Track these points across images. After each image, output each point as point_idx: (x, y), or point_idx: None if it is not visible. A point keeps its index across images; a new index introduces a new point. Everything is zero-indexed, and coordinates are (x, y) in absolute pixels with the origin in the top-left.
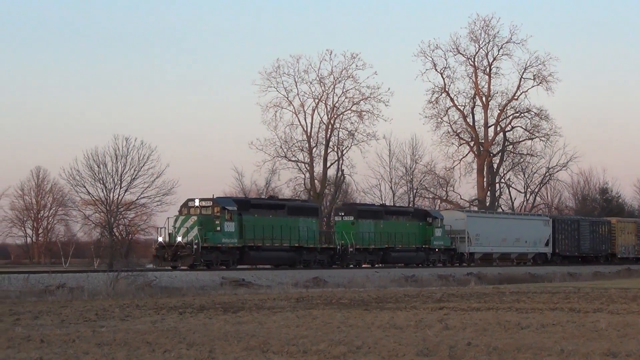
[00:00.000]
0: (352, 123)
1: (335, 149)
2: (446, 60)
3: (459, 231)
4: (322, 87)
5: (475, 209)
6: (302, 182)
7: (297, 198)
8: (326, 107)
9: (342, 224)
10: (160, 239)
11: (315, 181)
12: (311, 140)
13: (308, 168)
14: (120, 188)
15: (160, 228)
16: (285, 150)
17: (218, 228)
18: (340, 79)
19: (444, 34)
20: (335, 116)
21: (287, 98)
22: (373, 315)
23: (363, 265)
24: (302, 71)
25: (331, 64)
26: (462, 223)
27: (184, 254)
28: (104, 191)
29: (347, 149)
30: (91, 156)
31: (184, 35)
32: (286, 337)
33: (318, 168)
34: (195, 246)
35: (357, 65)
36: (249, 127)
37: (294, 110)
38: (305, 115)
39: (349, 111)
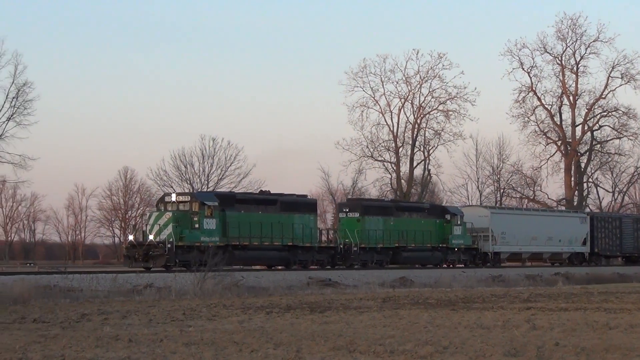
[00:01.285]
0: (438, 122)
1: (422, 149)
2: (533, 59)
3: (482, 229)
4: (409, 87)
5: (562, 206)
6: (389, 182)
7: (292, 193)
8: (412, 106)
9: (347, 221)
10: (130, 237)
11: (402, 181)
12: (397, 140)
13: (394, 168)
14: (207, 188)
15: (131, 225)
16: (371, 150)
17: (197, 225)
18: (426, 78)
19: (531, 33)
20: (421, 116)
21: (374, 98)
22: (460, 315)
23: (370, 266)
24: (389, 71)
25: (417, 64)
26: (485, 220)
27: (156, 253)
28: (192, 191)
29: (434, 148)
30: (178, 156)
31: (271, 36)
32: (373, 337)
33: (404, 168)
34: (169, 245)
35: (443, 65)
36: (336, 127)
37: (380, 110)
38: (391, 114)
39: (436, 111)
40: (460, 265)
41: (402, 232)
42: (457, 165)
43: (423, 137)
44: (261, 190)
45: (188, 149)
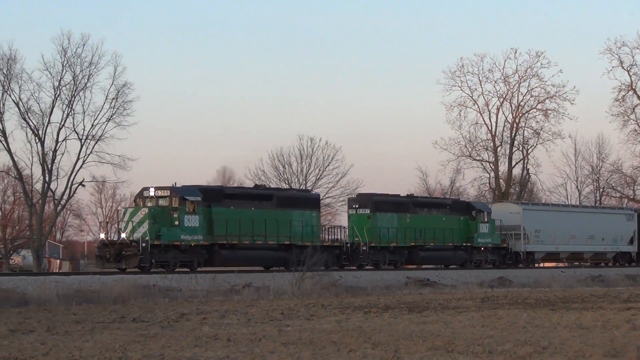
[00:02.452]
0: (537, 122)
1: (520, 148)
2: (633, 57)
3: (513, 227)
4: (507, 86)
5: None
6: (487, 181)
7: (292, 187)
8: (511, 105)
9: (356, 218)
10: (102, 236)
11: (500, 180)
12: (496, 139)
13: (493, 167)
14: (305, 187)
15: (103, 222)
16: (469, 149)
17: (176, 222)
18: (525, 77)
19: (630, 31)
20: (520, 115)
21: (472, 97)
22: (559, 316)
23: (383, 267)
24: (487, 70)
25: (516, 63)
26: (516, 217)
27: (129, 253)
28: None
29: (532, 147)
30: (276, 156)
31: (369, 37)
32: (471, 337)
33: (503, 167)
34: (143, 244)
35: (542, 64)
36: (433, 127)
37: (478, 109)
38: (489, 114)
39: (534, 110)
40: (488, 266)
41: (420, 230)
42: (556, 164)
43: (522, 137)
44: (256, 185)
45: (286, 148)
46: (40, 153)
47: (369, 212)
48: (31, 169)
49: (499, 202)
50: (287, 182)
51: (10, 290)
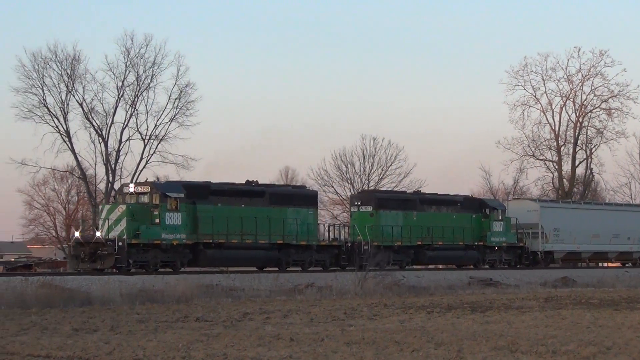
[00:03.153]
0: (600, 121)
1: (584, 147)
2: None
3: (530, 225)
4: (570, 85)
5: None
6: (550, 181)
7: (287, 184)
8: (574, 105)
9: (359, 216)
10: (76, 234)
11: (564, 180)
12: (559, 139)
13: (556, 167)
14: (368, 187)
15: (79, 220)
16: (532, 149)
17: (157, 220)
18: (588, 76)
19: None
20: (583, 114)
21: (535, 96)
22: (623, 316)
23: (387, 267)
24: (550, 69)
25: (579, 62)
26: (534, 215)
27: (104, 252)
28: (352, 191)
29: (596, 147)
30: (339, 156)
31: (431, 36)
32: (535, 337)
33: (566, 167)
34: (120, 243)
35: (605, 62)
36: (496, 126)
37: (541, 109)
38: (552, 113)
39: (598, 109)
40: (504, 267)
41: (427, 229)
42: (619, 163)
43: (585, 136)
44: (247, 181)
45: (349, 148)
46: (103, 153)
47: (371, 209)
48: (95, 169)
49: (516, 199)
50: (349, 181)
51: (74, 289)
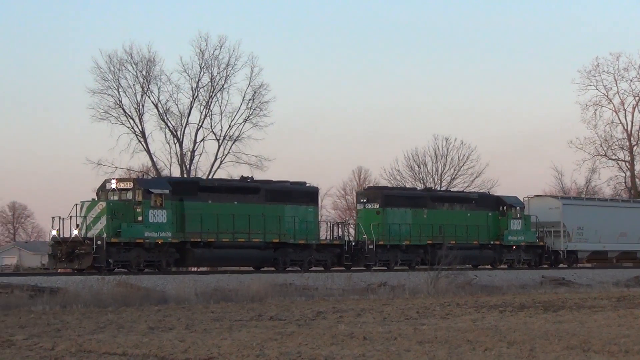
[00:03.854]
0: None
1: None
2: None
3: (552, 223)
4: None
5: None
6: (623, 180)
7: (284, 180)
8: None
9: (365, 214)
10: (53, 233)
11: (637, 179)
12: (632, 139)
13: (629, 167)
14: (440, 187)
15: (56, 218)
16: (605, 148)
17: (140, 218)
18: None
19: None
20: None
21: (607, 96)
22: None
23: (394, 268)
24: (622, 69)
25: None
26: (556, 213)
27: (82, 252)
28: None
29: None
30: (411, 156)
31: (502, 37)
32: (607, 336)
33: (639, 166)
34: (98, 242)
35: None
36: (568, 126)
37: (613, 109)
38: (625, 113)
39: None
40: (523, 267)
41: (439, 227)
42: None
43: None
44: (242, 177)
45: (421, 148)
46: (178, 153)
47: (378, 207)
48: (170, 169)
49: (537, 197)
50: (422, 181)
51: (150, 288)
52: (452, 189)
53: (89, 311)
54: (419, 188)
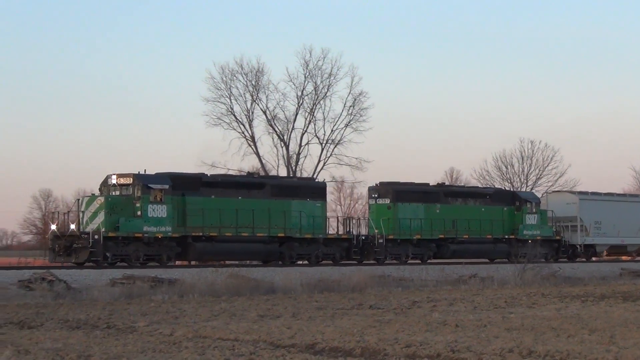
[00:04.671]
0: None
1: None
2: None
3: (569, 218)
4: None
5: None
6: None
7: (293, 175)
8: None
9: (376, 209)
10: (53, 227)
11: None
12: None
13: None
14: (526, 187)
15: (56, 213)
16: None
17: (139, 213)
18: None
19: None
20: None
21: None
22: None
23: (405, 261)
24: None
25: None
26: (572, 208)
27: (79, 246)
28: (511, 190)
29: None
30: (499, 157)
31: (583, 41)
32: None
33: None
34: (96, 236)
35: None
36: None
37: None
38: None
39: None
40: (540, 260)
41: (452, 221)
42: None
43: None
44: (248, 172)
45: (508, 150)
46: (285, 156)
47: (389, 202)
48: (277, 171)
49: (555, 192)
50: (509, 181)
51: (259, 279)
52: (537, 188)
53: (204, 300)
54: (432, 184)
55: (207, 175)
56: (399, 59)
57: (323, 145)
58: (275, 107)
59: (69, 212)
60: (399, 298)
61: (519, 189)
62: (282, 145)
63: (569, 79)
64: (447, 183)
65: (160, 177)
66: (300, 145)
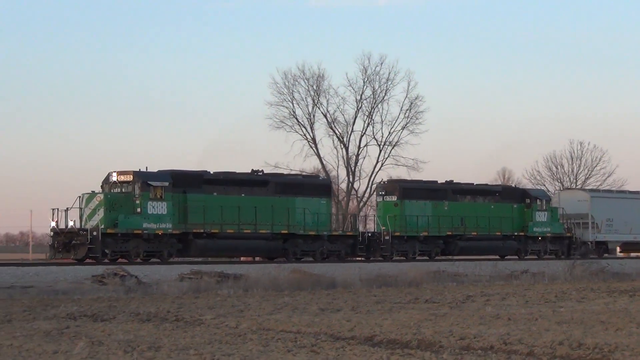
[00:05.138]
0: None
1: None
2: None
3: (580, 215)
4: None
5: None
6: None
7: (300, 172)
8: None
9: (383, 206)
10: (52, 224)
11: None
12: None
13: None
14: (575, 186)
15: (55, 210)
16: None
17: (138, 209)
18: None
19: None
20: None
21: None
22: None
23: (413, 258)
24: None
25: None
26: (584, 205)
27: (78, 242)
28: (561, 189)
29: None
30: (550, 158)
31: (631, 44)
32: None
33: None
34: (94, 233)
35: None
36: None
37: None
38: None
39: None
40: (550, 257)
41: (461, 219)
42: None
43: None
44: (252, 170)
45: (558, 151)
46: (345, 157)
47: (395, 199)
48: (337, 171)
49: (566, 190)
50: (559, 181)
51: (320, 275)
52: (588, 186)
53: (268, 294)
54: (440, 181)
55: (209, 172)
56: (453, 63)
57: (381, 146)
58: (335, 111)
59: (67, 209)
60: (453, 293)
61: (566, 187)
62: (342, 147)
63: (618, 80)
64: (458, 181)
65: (160, 175)
66: (359, 147)
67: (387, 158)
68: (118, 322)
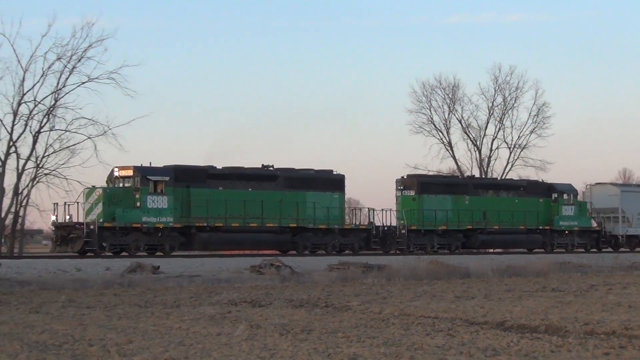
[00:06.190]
0: None
1: None
2: None
3: (611, 209)
4: None
5: None
6: None
7: (309, 168)
8: None
9: (402, 200)
10: (53, 218)
11: None
12: None
13: None
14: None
15: (55, 204)
16: None
17: (138, 204)
18: None
19: None
20: None
21: None
22: None
23: (431, 251)
24: None
25: None
26: (614, 200)
27: (75, 236)
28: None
29: None
30: None
31: None
32: None
33: None
34: (91, 226)
35: None
36: None
37: None
38: None
39: None
40: (580, 250)
41: (482, 212)
42: None
43: None
44: (263, 165)
45: None
46: (478, 159)
47: (414, 193)
48: (471, 172)
49: (598, 184)
50: None
51: (455, 266)
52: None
53: (408, 283)
54: (460, 176)
55: (215, 167)
56: (578, 71)
57: (511, 149)
58: (469, 117)
59: (65, 203)
60: (578, 282)
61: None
62: (475, 149)
63: None
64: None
65: (161, 170)
66: (491, 150)
67: (516, 159)
68: (274, 307)
